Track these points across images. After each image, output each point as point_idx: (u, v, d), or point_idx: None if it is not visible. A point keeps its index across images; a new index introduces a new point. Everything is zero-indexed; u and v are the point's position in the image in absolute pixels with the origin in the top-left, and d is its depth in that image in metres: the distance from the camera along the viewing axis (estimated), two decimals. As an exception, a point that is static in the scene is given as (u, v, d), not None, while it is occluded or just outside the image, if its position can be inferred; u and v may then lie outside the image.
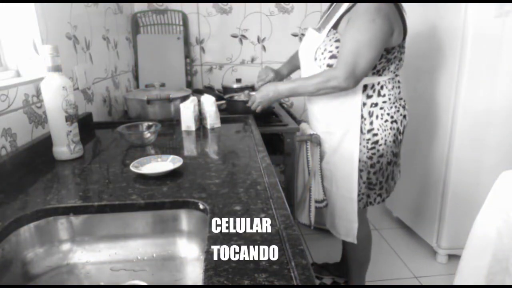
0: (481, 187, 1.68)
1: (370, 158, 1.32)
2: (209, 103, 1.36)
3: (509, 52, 1.61)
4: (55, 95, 0.97)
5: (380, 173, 1.35)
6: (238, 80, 2.05)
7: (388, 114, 1.29)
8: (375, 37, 1.15)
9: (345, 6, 1.23)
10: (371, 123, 1.29)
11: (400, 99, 1.34)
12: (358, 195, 1.36)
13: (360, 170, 1.33)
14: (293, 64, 1.63)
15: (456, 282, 1.14)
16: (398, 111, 1.31)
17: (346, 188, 1.36)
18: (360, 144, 1.30)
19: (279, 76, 1.62)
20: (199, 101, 1.40)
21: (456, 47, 1.66)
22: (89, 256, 0.78)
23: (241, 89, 1.96)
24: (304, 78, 1.32)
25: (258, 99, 1.40)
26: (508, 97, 1.66)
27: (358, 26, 1.16)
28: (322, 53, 1.26)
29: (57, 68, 0.97)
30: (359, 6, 1.17)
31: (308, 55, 1.33)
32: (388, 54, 1.23)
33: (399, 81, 1.33)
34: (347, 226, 1.41)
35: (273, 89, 1.36)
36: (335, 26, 1.24)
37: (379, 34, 1.15)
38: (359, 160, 1.31)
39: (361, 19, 1.16)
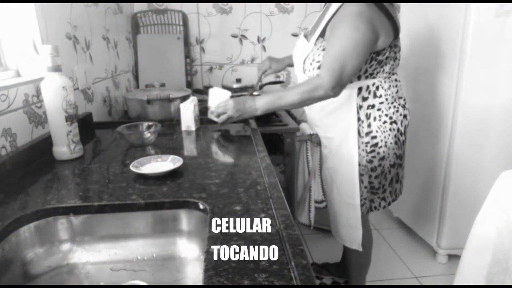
0: (481, 187, 1.68)
1: (370, 161, 1.29)
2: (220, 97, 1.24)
3: (509, 51, 1.61)
4: (55, 95, 0.97)
5: (382, 176, 1.32)
6: (238, 80, 2.05)
7: (386, 115, 1.26)
8: (360, 44, 1.11)
9: (333, 9, 1.19)
10: (369, 125, 1.26)
11: (400, 98, 1.30)
12: (361, 200, 1.32)
13: (361, 175, 1.29)
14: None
15: (456, 282, 1.14)
16: (397, 111, 1.28)
17: (348, 194, 1.33)
18: (359, 148, 1.27)
19: (280, 64, 1.58)
20: (199, 101, 1.39)
21: (456, 47, 1.66)
22: (89, 256, 0.78)
23: (241, 89, 1.96)
24: (286, 89, 1.23)
25: (232, 110, 1.19)
26: (508, 97, 1.66)
27: (341, 33, 1.13)
28: (311, 64, 1.23)
29: (57, 68, 0.97)
30: (341, 11, 1.14)
31: (298, 65, 1.30)
32: (379, 56, 1.19)
33: (396, 80, 1.29)
34: (351, 233, 1.38)
35: (250, 104, 1.19)
36: (322, 34, 1.21)
37: (363, 41, 1.11)
38: (359, 164, 1.28)
39: (344, 25, 1.13)
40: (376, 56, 1.19)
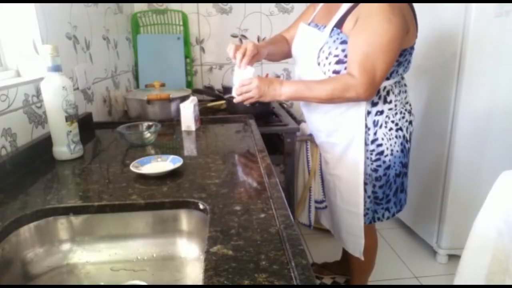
0: (481, 187, 1.67)
1: (375, 170, 1.22)
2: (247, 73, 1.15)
3: (509, 52, 1.61)
4: (55, 95, 0.97)
5: (387, 186, 1.25)
6: (238, 80, 2.05)
7: (392, 121, 1.19)
8: (393, 39, 1.03)
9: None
10: (375, 133, 1.19)
11: (406, 103, 1.24)
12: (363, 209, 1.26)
13: (365, 184, 1.23)
14: (276, 46, 1.35)
15: (456, 282, 1.14)
16: (403, 117, 1.22)
17: (351, 203, 1.27)
18: (364, 155, 1.20)
19: (262, 53, 1.24)
20: (199, 101, 1.39)
21: (456, 47, 1.66)
22: (89, 256, 0.78)
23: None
24: (314, 81, 1.13)
25: (255, 89, 1.13)
26: (509, 97, 1.66)
27: (372, 26, 1.03)
28: (327, 57, 1.12)
29: (57, 68, 0.97)
30: (370, 3, 1.05)
31: (309, 57, 1.18)
32: (400, 57, 1.12)
33: (405, 85, 1.24)
34: (354, 241, 1.34)
35: (276, 87, 1.13)
36: (338, 25, 1.10)
37: (397, 35, 1.03)
38: (364, 173, 1.22)
39: (375, 18, 1.03)
40: (398, 56, 1.11)
